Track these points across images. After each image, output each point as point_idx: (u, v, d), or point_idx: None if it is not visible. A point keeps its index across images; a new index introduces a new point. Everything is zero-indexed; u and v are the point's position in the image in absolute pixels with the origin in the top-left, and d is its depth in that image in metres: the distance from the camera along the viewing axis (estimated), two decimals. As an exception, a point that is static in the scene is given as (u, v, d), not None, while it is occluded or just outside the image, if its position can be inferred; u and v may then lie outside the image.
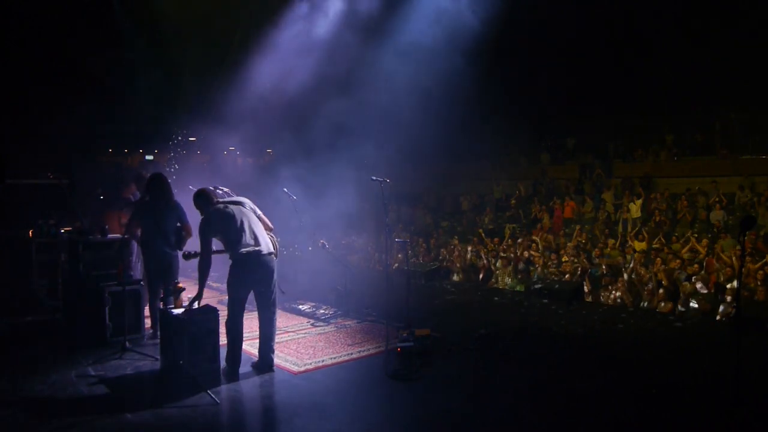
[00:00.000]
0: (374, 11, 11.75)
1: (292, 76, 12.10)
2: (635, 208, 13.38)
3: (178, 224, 6.30)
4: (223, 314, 5.55)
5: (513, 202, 16.69)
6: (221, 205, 5.42)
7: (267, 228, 5.58)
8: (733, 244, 10.06)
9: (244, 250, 5.22)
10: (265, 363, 5.43)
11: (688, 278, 8.81)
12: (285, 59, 12.14)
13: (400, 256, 12.13)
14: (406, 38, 11.79)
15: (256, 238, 5.32)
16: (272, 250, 5.40)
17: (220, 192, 7.23)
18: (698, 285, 8.48)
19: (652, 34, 15.30)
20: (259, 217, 5.55)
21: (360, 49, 11.87)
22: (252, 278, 5.33)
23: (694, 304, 8.28)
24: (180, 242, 6.27)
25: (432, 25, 11.57)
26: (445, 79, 11.91)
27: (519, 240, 12.85)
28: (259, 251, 5.27)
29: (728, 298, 8.00)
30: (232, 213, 5.34)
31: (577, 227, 13.09)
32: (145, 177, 6.78)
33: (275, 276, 5.44)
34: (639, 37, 15.46)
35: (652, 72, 16.28)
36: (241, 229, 5.29)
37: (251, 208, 5.53)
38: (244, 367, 5.41)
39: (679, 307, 8.49)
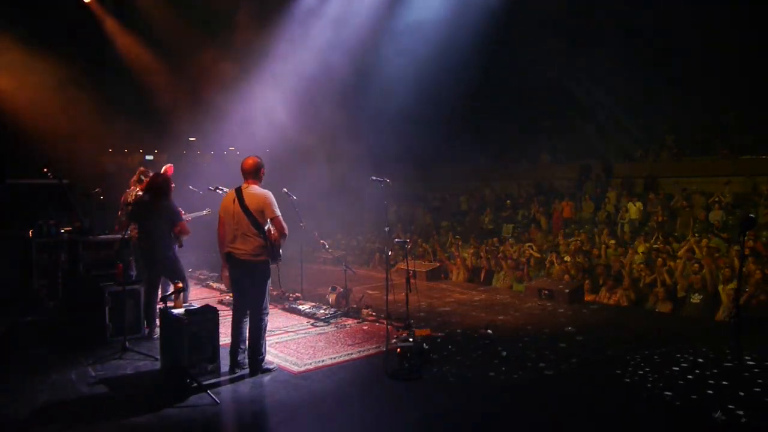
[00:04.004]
0: (375, 11, 11.76)
1: (293, 76, 12.11)
2: (634, 210, 13.37)
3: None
4: (223, 314, 5.57)
5: (508, 203, 16.69)
6: (231, 197, 5.29)
7: (279, 231, 5.21)
8: (719, 243, 10.06)
9: (224, 250, 5.29)
10: (252, 368, 5.28)
11: (688, 278, 8.81)
12: (285, 60, 12.15)
13: (400, 256, 12.13)
14: (408, 38, 11.80)
15: (234, 238, 5.19)
16: (252, 252, 5.14)
17: (220, 191, 7.26)
18: (698, 285, 8.47)
19: (652, 33, 15.30)
20: (262, 220, 5.17)
21: (361, 49, 11.88)
22: (233, 277, 5.34)
23: (693, 305, 8.28)
24: (177, 239, 6.30)
25: (433, 25, 11.58)
26: (446, 79, 11.93)
27: (518, 240, 12.86)
28: (232, 252, 5.20)
29: (728, 299, 7.99)
30: (229, 208, 5.24)
31: (571, 228, 13.07)
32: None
33: (260, 279, 5.27)
34: (639, 37, 15.46)
35: (652, 72, 16.29)
36: (229, 228, 5.24)
37: (252, 210, 5.15)
38: (245, 367, 5.41)
39: (679, 307, 8.49)
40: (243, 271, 5.28)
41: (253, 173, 5.31)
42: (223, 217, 5.32)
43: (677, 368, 5.46)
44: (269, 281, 5.45)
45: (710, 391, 4.86)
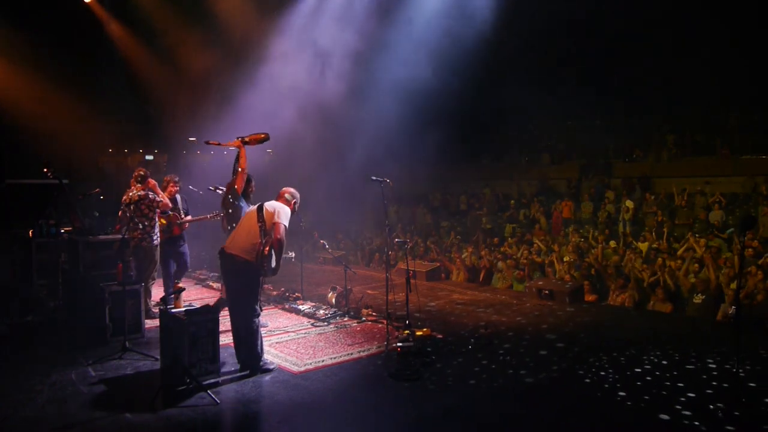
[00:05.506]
0: (377, 10, 11.75)
1: (294, 75, 12.11)
2: (630, 209, 13.40)
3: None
4: (223, 314, 5.57)
5: (512, 203, 16.68)
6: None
7: (276, 234, 5.26)
8: (719, 243, 10.05)
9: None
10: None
11: (688, 278, 8.80)
12: (286, 58, 12.15)
13: (400, 256, 12.12)
14: (408, 39, 11.80)
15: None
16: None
17: (220, 192, 7.27)
18: (698, 285, 8.46)
19: (652, 33, 15.30)
20: (269, 224, 5.29)
21: (362, 49, 11.88)
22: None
23: (695, 305, 8.27)
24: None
25: (434, 27, 11.58)
26: (446, 79, 11.92)
27: (518, 240, 12.85)
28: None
29: (728, 298, 7.98)
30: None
31: (571, 228, 13.07)
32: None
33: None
34: (639, 36, 15.46)
35: (652, 72, 16.29)
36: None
37: (265, 211, 5.35)
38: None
39: (680, 307, 8.47)
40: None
41: (279, 195, 5.74)
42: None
43: (680, 369, 5.46)
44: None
45: (664, 393, 4.90)
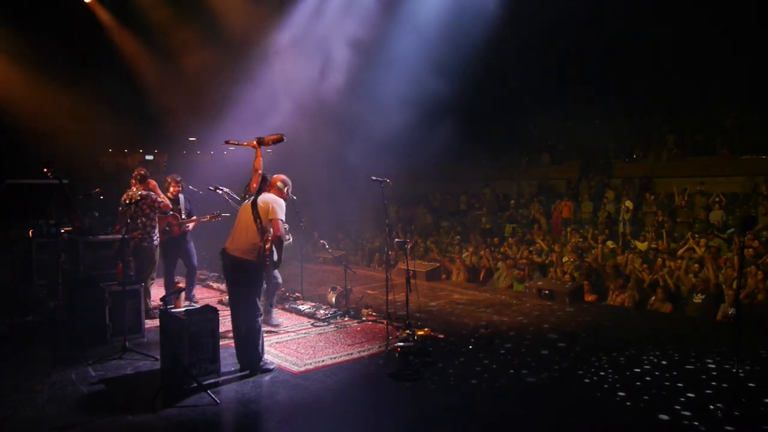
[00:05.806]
0: (376, 10, 11.75)
1: (293, 74, 12.10)
2: (629, 209, 13.40)
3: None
4: (223, 314, 5.57)
5: (512, 202, 16.68)
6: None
7: (275, 233, 5.27)
8: (719, 243, 10.06)
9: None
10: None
11: (688, 278, 8.80)
12: (285, 57, 12.14)
13: (400, 256, 12.12)
14: (409, 38, 11.79)
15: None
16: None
17: (220, 192, 7.26)
18: (698, 285, 8.46)
19: (652, 33, 15.29)
20: (265, 220, 5.29)
21: (361, 49, 11.87)
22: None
23: (695, 305, 8.27)
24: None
25: (436, 26, 11.59)
26: (446, 78, 11.92)
27: (518, 240, 12.85)
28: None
29: (728, 298, 7.99)
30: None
31: (570, 228, 13.07)
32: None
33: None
34: (639, 36, 15.45)
35: (652, 72, 16.28)
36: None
37: (259, 207, 5.34)
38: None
39: (680, 307, 8.48)
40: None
41: (270, 185, 5.68)
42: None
43: (680, 369, 5.46)
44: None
45: (663, 393, 4.90)
